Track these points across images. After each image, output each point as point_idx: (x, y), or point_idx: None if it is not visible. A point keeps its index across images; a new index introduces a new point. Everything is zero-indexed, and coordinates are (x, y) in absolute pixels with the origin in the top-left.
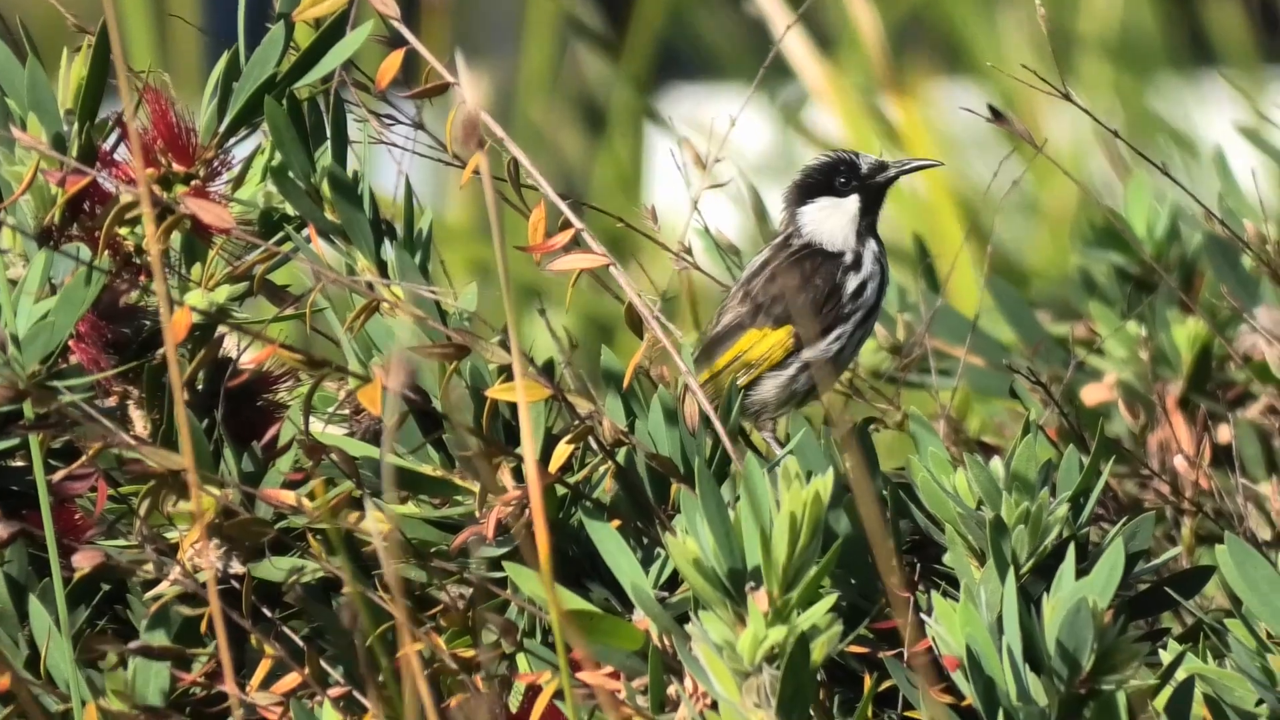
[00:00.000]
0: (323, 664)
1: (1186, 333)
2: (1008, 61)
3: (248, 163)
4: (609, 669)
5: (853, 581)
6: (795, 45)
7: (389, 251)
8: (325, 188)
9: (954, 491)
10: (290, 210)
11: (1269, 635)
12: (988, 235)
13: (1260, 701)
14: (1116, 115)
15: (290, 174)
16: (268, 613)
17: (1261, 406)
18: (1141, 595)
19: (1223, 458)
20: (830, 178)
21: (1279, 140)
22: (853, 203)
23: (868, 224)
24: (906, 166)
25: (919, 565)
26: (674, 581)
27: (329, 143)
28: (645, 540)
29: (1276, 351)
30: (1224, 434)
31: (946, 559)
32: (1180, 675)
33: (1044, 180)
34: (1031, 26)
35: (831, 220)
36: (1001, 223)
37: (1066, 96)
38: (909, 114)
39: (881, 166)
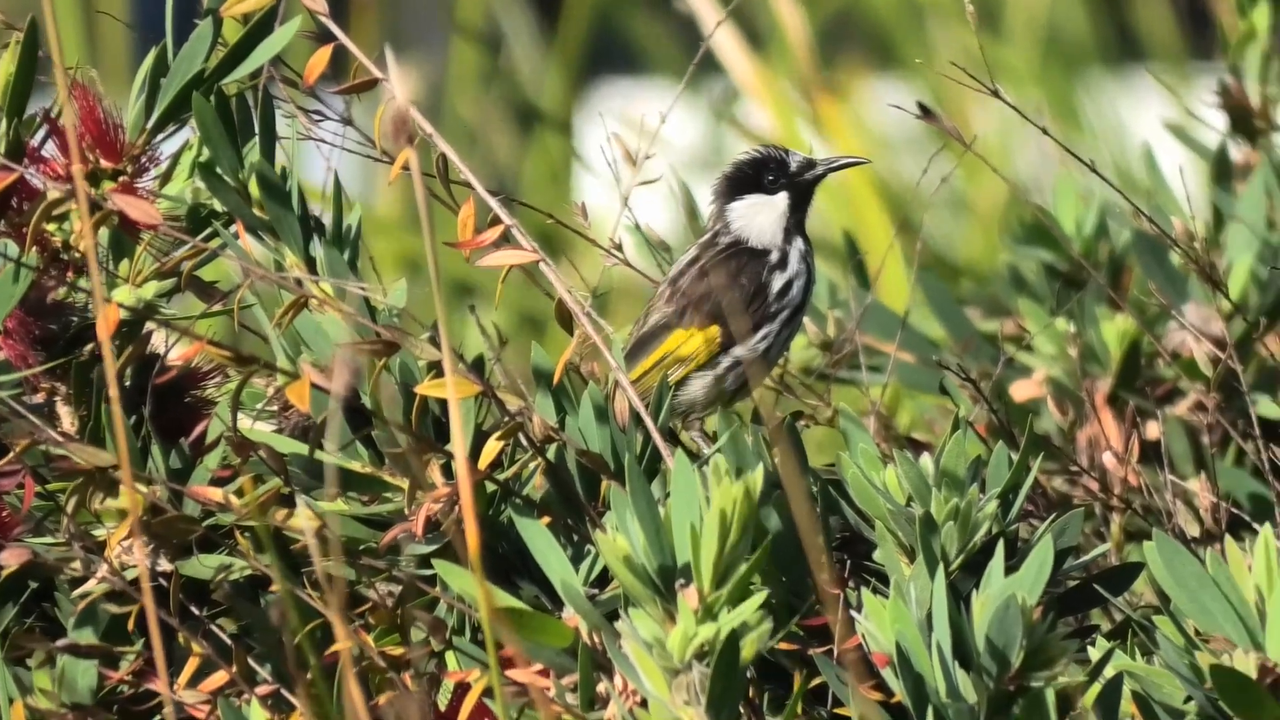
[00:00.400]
0: (250, 662)
1: (1115, 330)
2: (936, 59)
3: (175, 159)
4: (539, 666)
5: (783, 578)
6: (725, 42)
7: (318, 248)
8: (253, 184)
9: (884, 488)
10: (219, 206)
11: (1197, 632)
12: (917, 232)
13: (1188, 699)
14: (1045, 112)
15: (218, 170)
16: (195, 610)
17: (1189, 403)
18: (1070, 592)
19: (1151, 454)
20: (759, 174)
21: (1207, 137)
22: (781, 200)
23: (796, 221)
24: (835, 164)
25: (849, 562)
26: (604, 579)
27: (257, 139)
28: (575, 537)
29: (1204, 348)
30: (1152, 430)
31: (877, 555)
32: (1109, 672)
33: (973, 177)
34: (960, 23)
35: (760, 217)
36: (931, 220)
37: (995, 93)
38: (836, 112)
39: (810, 164)
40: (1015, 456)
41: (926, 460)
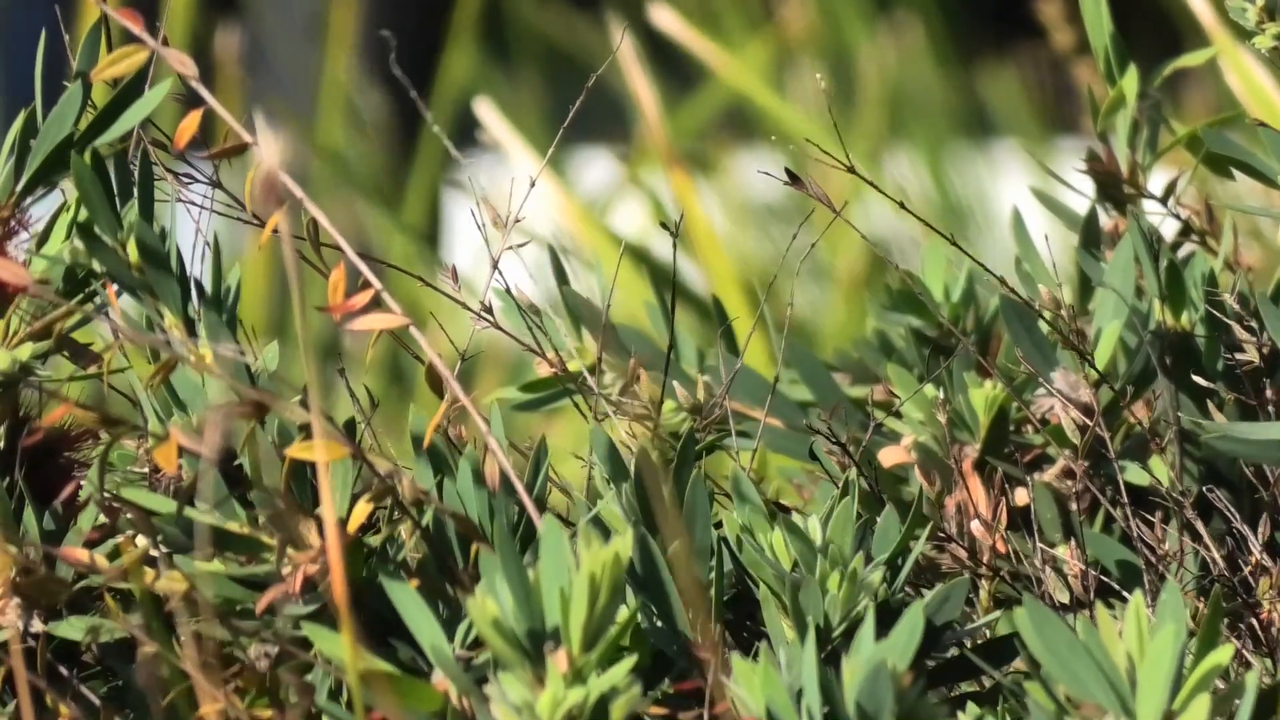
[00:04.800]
0: None
1: (983, 396)
2: (798, 132)
3: (52, 220)
4: None
5: (653, 642)
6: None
7: (196, 308)
8: (132, 245)
9: (770, 551)
10: (95, 267)
11: (1068, 699)
12: (785, 299)
13: None
14: (908, 181)
15: (96, 230)
16: (65, 672)
17: (1058, 470)
18: (950, 661)
19: (1020, 521)
20: None
21: (1074, 206)
22: None
23: None
24: None
25: (730, 621)
26: (480, 642)
27: (136, 199)
28: (452, 601)
29: (1072, 415)
30: (1021, 497)
31: (764, 617)
32: None
33: (835, 246)
34: (819, 97)
35: None
36: (796, 288)
37: (850, 169)
38: (689, 185)
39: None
40: (902, 524)
41: (814, 524)
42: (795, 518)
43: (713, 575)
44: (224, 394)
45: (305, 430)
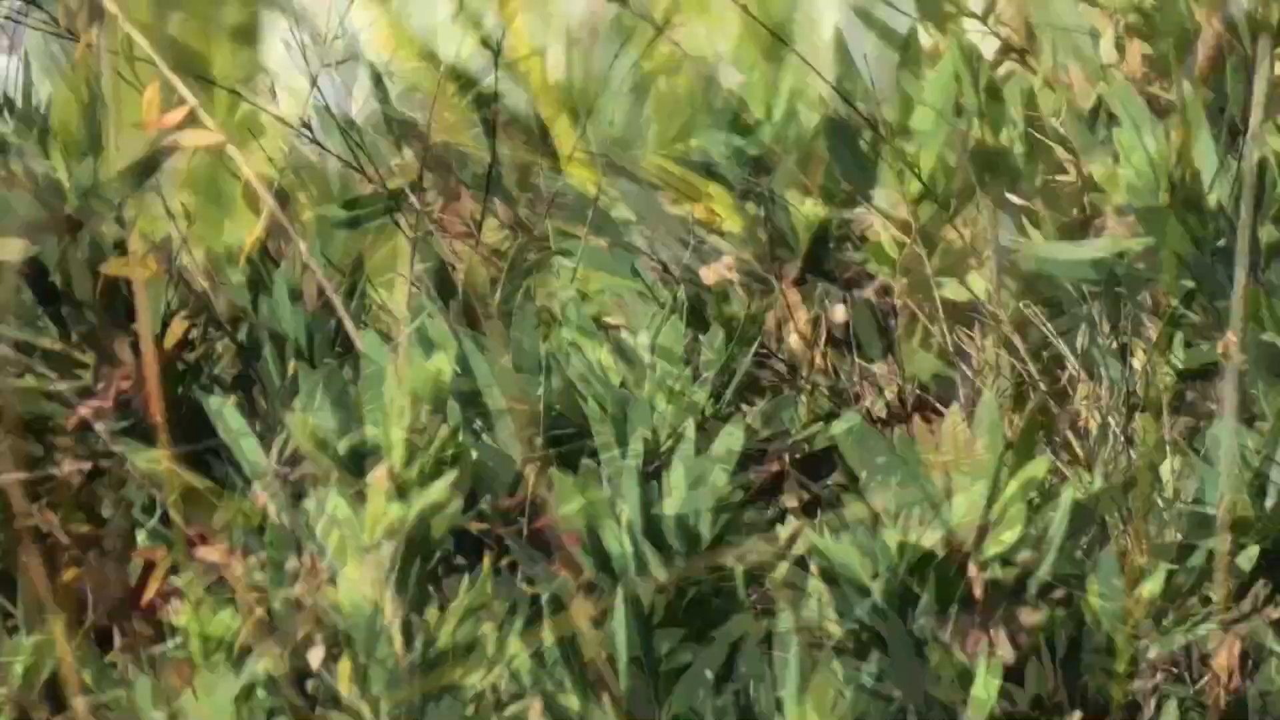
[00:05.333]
0: None
1: (804, 214)
2: None
3: None
4: (227, 545)
5: (476, 455)
6: None
7: (6, 123)
8: None
9: (599, 369)
10: None
11: (886, 510)
12: (609, 120)
13: (875, 575)
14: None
15: None
16: None
17: (877, 287)
18: (774, 476)
19: (840, 337)
20: None
21: (896, 25)
22: None
23: None
24: None
25: (558, 440)
26: (296, 459)
27: None
28: (267, 419)
29: (891, 233)
30: (839, 314)
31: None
32: (798, 550)
33: (659, 67)
34: None
35: None
36: (619, 107)
37: None
38: (512, 11)
39: None
40: (730, 341)
41: (642, 341)
42: (623, 335)
43: (540, 391)
44: (35, 210)
45: (120, 247)
